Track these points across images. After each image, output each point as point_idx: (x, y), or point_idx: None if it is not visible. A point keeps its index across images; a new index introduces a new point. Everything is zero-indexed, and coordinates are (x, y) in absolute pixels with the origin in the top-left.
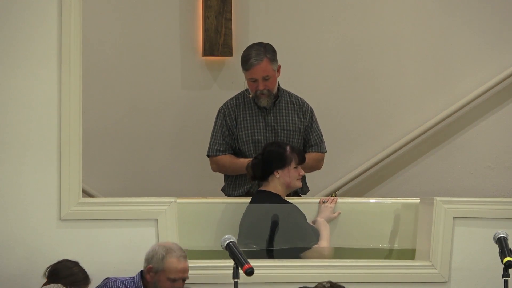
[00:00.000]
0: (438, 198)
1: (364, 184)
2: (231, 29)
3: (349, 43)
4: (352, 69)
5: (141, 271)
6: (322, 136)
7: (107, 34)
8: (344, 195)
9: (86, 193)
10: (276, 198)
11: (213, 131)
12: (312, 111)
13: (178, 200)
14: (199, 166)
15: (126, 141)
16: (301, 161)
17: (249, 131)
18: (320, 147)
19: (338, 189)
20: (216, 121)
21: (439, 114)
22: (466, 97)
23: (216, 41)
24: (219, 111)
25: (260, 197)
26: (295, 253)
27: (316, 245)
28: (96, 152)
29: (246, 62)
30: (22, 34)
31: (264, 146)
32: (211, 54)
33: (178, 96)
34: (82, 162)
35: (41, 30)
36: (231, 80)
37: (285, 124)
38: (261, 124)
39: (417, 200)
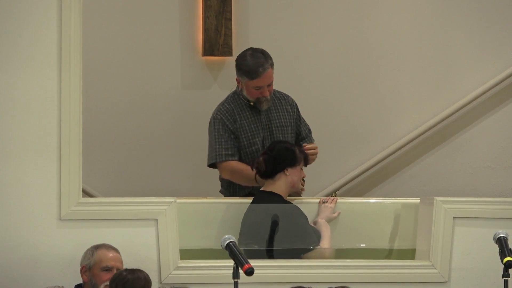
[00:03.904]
0: (438, 198)
1: (364, 184)
2: (231, 29)
3: (349, 43)
4: (352, 69)
5: (76, 285)
6: (309, 126)
7: (107, 34)
8: (344, 195)
9: (86, 193)
10: (278, 199)
11: (215, 138)
12: (296, 105)
13: (178, 200)
14: (199, 166)
15: (126, 141)
16: (307, 163)
17: (249, 134)
18: (310, 138)
19: (338, 189)
20: (214, 128)
21: (439, 114)
22: (466, 97)
23: (216, 41)
24: (215, 118)
25: (263, 197)
26: (296, 254)
27: (317, 247)
28: (96, 152)
29: (255, 71)
30: (22, 35)
31: (272, 143)
32: (211, 54)
33: (178, 96)
34: (82, 162)
35: (41, 30)
36: (231, 80)
37: (277, 121)
38: (258, 125)
39: (417, 200)
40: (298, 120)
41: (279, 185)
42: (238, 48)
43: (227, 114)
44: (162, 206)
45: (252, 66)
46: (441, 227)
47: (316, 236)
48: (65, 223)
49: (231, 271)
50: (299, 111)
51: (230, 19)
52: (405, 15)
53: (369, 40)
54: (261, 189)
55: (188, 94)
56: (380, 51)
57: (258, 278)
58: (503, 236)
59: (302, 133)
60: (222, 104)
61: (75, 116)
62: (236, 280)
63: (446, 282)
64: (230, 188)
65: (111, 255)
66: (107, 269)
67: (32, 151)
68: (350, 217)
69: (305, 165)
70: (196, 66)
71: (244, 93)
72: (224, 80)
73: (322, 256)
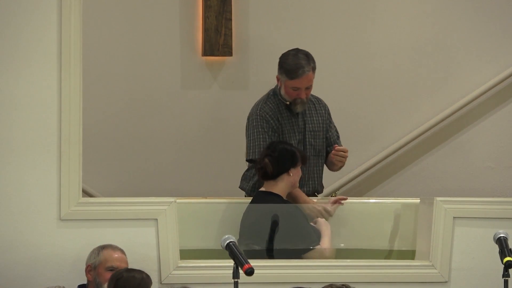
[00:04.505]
0: (438, 198)
1: (364, 184)
2: (231, 29)
3: (349, 43)
4: (351, 70)
5: (79, 285)
6: (338, 132)
7: (107, 34)
8: (344, 195)
9: (86, 193)
10: (278, 199)
11: (257, 134)
12: (327, 108)
13: (178, 200)
14: (200, 166)
15: (126, 141)
16: (305, 161)
17: (286, 136)
18: (338, 143)
19: (338, 189)
20: (257, 124)
21: (439, 114)
22: (466, 97)
23: (216, 41)
24: (258, 115)
25: (263, 197)
26: (296, 254)
27: (318, 246)
28: (96, 152)
29: (295, 72)
30: (22, 35)
31: (271, 144)
32: (211, 54)
33: (178, 96)
34: (82, 162)
35: (41, 30)
36: (231, 80)
37: (311, 125)
38: (295, 127)
39: (417, 200)
40: (329, 124)
41: (280, 186)
42: (238, 48)
43: (270, 113)
44: (162, 206)
45: (292, 66)
46: (441, 227)
47: (316, 236)
48: (65, 223)
49: (231, 271)
50: (330, 115)
51: (230, 19)
52: (405, 15)
53: (368, 40)
54: (261, 189)
55: (188, 94)
56: (379, 51)
57: (258, 278)
58: (503, 236)
59: (330, 138)
60: (264, 102)
61: (75, 116)
62: (236, 280)
63: (446, 282)
64: (256, 186)
65: (116, 255)
66: (112, 269)
67: (32, 151)
68: (350, 217)
69: (303, 163)
70: (196, 66)
71: (282, 91)
72: (224, 80)
73: (321, 256)
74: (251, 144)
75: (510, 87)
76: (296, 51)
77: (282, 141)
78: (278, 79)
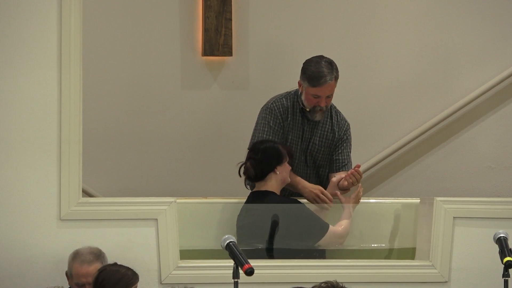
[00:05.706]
0: (438, 198)
1: (364, 184)
2: (231, 29)
3: (349, 42)
4: (352, 70)
5: None
6: (349, 157)
7: (107, 34)
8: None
9: (86, 193)
10: (274, 196)
11: (263, 126)
12: (347, 129)
13: (178, 200)
14: (200, 166)
15: (126, 141)
16: (291, 156)
17: (289, 138)
18: (345, 166)
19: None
20: (265, 116)
21: (439, 114)
22: (466, 97)
23: (216, 41)
24: (270, 108)
25: (258, 197)
26: (312, 244)
27: (330, 226)
28: (96, 152)
29: (317, 79)
30: (22, 34)
31: (254, 145)
32: (211, 54)
33: (178, 96)
34: (82, 162)
35: (42, 30)
36: (231, 80)
37: (318, 138)
38: (300, 133)
39: (417, 200)
40: (341, 144)
41: (271, 184)
42: (238, 48)
43: (281, 109)
44: (162, 206)
45: (315, 73)
46: (441, 227)
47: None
48: (65, 223)
49: (231, 271)
50: (348, 139)
51: (230, 19)
52: (405, 14)
53: (369, 41)
54: (253, 190)
55: (188, 94)
56: (380, 51)
57: (258, 278)
58: (503, 236)
59: (335, 162)
60: (282, 98)
61: (75, 116)
62: (236, 280)
63: (446, 282)
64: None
65: (83, 271)
66: (79, 285)
67: (32, 151)
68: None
69: (291, 158)
70: (196, 66)
71: (302, 97)
72: (224, 80)
73: (337, 237)
74: (255, 134)
75: (510, 87)
76: (320, 58)
77: (265, 140)
78: (299, 85)
